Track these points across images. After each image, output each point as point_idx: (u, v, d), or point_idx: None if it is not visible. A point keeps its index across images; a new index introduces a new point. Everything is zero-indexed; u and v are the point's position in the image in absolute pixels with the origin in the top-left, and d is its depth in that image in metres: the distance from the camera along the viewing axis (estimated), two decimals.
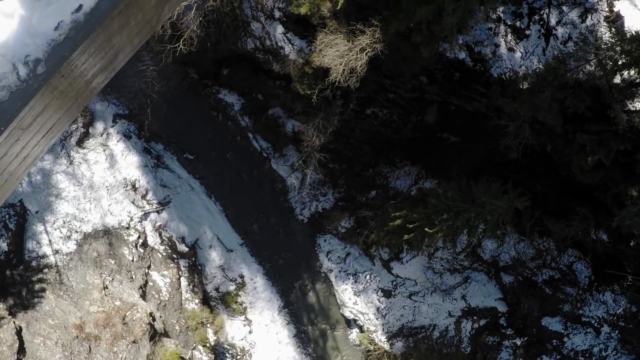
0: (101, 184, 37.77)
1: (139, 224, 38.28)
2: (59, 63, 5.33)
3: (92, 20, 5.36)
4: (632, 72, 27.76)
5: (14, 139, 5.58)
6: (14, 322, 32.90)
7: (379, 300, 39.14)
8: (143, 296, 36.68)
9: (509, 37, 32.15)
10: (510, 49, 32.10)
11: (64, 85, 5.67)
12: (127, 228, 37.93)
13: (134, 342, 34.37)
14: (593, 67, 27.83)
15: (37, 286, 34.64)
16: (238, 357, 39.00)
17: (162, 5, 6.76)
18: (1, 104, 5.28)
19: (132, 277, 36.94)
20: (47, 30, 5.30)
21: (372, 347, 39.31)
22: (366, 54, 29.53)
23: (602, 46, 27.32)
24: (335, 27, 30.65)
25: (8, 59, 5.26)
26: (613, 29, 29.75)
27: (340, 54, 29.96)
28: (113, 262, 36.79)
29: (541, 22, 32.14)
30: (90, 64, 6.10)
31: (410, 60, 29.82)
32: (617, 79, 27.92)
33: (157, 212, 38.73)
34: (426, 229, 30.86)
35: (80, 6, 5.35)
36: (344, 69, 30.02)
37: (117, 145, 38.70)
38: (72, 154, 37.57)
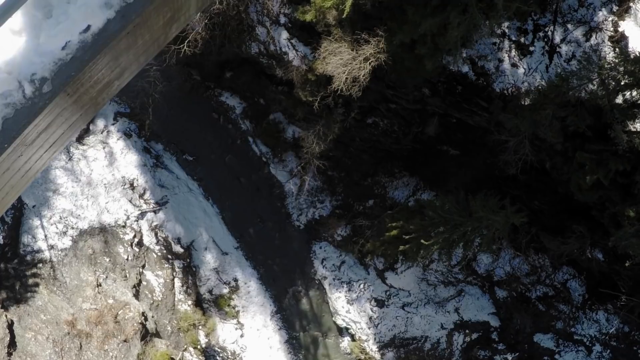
0: (99, 181, 37.74)
1: (136, 223, 38.25)
2: (65, 82, 5.35)
3: (100, 41, 5.38)
4: (634, 93, 27.78)
5: (17, 155, 5.60)
6: (6, 316, 32.82)
7: (371, 309, 39.13)
8: (136, 295, 36.62)
9: (513, 52, 32.17)
10: (514, 65, 32.13)
11: (69, 103, 5.69)
12: (124, 226, 37.89)
13: (125, 341, 34.29)
14: (595, 87, 27.85)
15: (30, 280, 34.58)
16: None
17: (170, 25, 6.78)
18: (6, 121, 5.30)
19: (126, 276, 36.89)
20: (54, 49, 5.32)
21: (363, 356, 39.27)
22: (370, 63, 29.55)
23: (606, 66, 27.36)
24: (340, 36, 30.68)
25: (14, 77, 5.28)
26: (617, 49, 29.86)
27: (344, 63, 29.99)
28: (108, 260, 36.73)
29: (545, 39, 32.17)
30: (96, 82, 6.11)
31: (414, 71, 29.85)
32: (619, 99, 27.94)
33: (154, 212, 38.70)
34: (422, 241, 30.86)
35: (89, 27, 5.38)
36: (346, 78, 30.04)
37: (117, 143, 38.70)
38: (71, 150, 37.56)
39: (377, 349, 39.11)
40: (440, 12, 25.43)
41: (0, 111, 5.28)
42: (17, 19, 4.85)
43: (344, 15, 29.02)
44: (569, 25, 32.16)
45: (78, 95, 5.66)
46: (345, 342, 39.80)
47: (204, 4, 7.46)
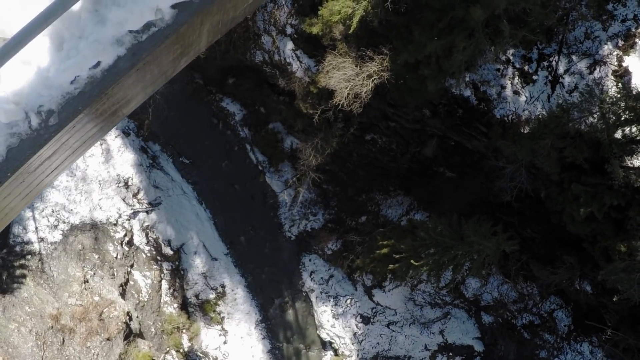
0: (94, 178, 37.67)
1: (127, 222, 38.19)
2: (71, 116, 5.36)
3: (109, 78, 5.39)
4: (633, 129, 27.82)
5: (19, 182, 5.61)
6: None
7: (356, 325, 39.08)
8: (122, 294, 36.53)
9: (516, 80, 32.22)
10: (516, 92, 32.18)
11: (73, 134, 5.71)
12: (115, 224, 37.82)
13: (108, 339, 34.18)
14: (596, 120, 27.89)
15: (18, 272, 34.46)
16: None
17: (180, 59, 6.80)
18: (10, 150, 5.30)
19: (113, 274, 36.81)
20: (63, 83, 5.32)
21: None
22: (372, 80, 29.58)
23: (607, 100, 27.39)
24: (345, 51, 30.72)
25: (21, 108, 5.28)
26: (620, 84, 29.89)
27: (347, 78, 30.02)
28: (97, 256, 36.64)
29: (549, 69, 32.23)
30: (102, 114, 6.13)
31: (416, 92, 29.86)
32: (619, 134, 27.96)
33: (147, 212, 38.66)
34: (412, 261, 30.89)
35: (99, 63, 5.38)
36: (348, 93, 30.07)
37: (114, 140, 38.66)
38: None
39: None
40: (447, 34, 25.47)
41: (5, 140, 5.29)
42: (28, 50, 4.85)
43: (351, 31, 29.06)
44: (574, 57, 32.23)
45: (83, 126, 5.67)
46: (328, 356, 39.71)
47: (214, 38, 7.50)
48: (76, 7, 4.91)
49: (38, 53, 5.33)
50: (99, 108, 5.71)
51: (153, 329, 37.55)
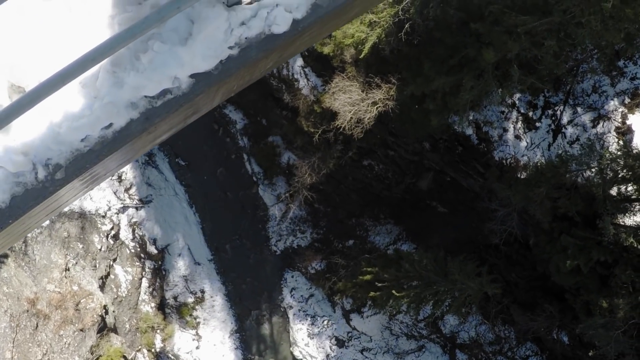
0: None
1: (116, 215, 38.16)
2: (78, 172, 5.39)
3: (120, 139, 5.43)
4: (629, 188, 27.89)
5: (19, 224, 5.65)
6: None
7: (330, 347, 38.98)
8: (102, 287, 36.43)
9: (519, 124, 32.32)
10: (517, 137, 32.27)
11: (77, 185, 5.74)
12: (103, 217, 37.78)
13: (81, 330, 34.05)
14: (593, 174, 27.96)
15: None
16: None
17: (191, 117, 6.86)
18: (14, 197, 5.33)
19: (95, 266, 36.71)
20: (73, 140, 5.35)
21: None
22: (377, 108, 29.63)
23: (607, 156, 27.45)
24: (353, 75, 30.77)
25: (30, 159, 5.31)
26: (621, 142, 29.99)
27: (352, 102, 30.06)
28: (81, 246, 36.56)
29: (553, 118, 32.34)
30: (109, 168, 6.18)
31: (418, 124, 29.91)
32: (614, 191, 28.03)
33: (136, 208, 38.61)
34: (394, 291, 30.89)
35: (111, 124, 5.41)
36: (351, 117, 30.11)
37: None
38: None
39: None
40: (456, 72, 25.52)
41: (10, 188, 5.32)
42: (42, 104, 4.88)
43: (361, 56, 29.15)
44: (579, 109, 32.35)
45: (88, 177, 5.71)
46: None
47: (227, 97, 7.57)
48: (95, 66, 4.92)
49: (52, 108, 5.35)
50: (106, 162, 5.75)
51: (128, 326, 37.44)
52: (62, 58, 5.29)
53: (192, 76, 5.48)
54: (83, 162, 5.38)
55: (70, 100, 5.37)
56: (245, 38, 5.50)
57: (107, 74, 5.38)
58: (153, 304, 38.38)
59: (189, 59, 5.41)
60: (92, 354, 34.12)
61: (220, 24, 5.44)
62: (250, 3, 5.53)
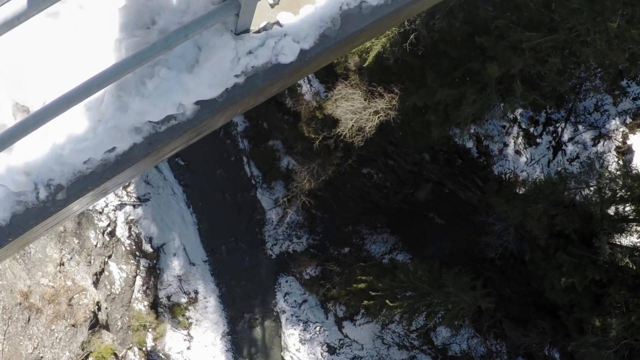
0: None
1: (113, 212, 38.13)
2: (80, 194, 5.41)
3: (122, 163, 5.44)
4: (627, 208, 27.90)
5: (20, 240, 5.65)
6: None
7: (321, 354, 38.95)
8: (95, 283, 36.37)
9: (520, 140, 32.33)
10: (518, 152, 32.28)
11: (76, 203, 5.74)
12: (100, 213, 37.74)
13: (73, 325, 34.00)
14: (591, 193, 27.99)
15: None
16: None
17: (193, 138, 6.85)
18: (15, 216, 5.35)
19: (90, 262, 36.67)
20: (75, 162, 5.35)
21: None
22: (378, 117, 29.64)
23: (606, 175, 27.48)
24: (356, 83, 30.79)
25: (31, 179, 5.32)
26: (621, 161, 30.00)
27: (354, 110, 30.07)
28: (77, 241, 36.52)
29: (554, 135, 32.35)
30: (109, 187, 6.18)
31: (419, 135, 29.91)
32: (612, 211, 28.04)
33: (134, 206, 38.59)
34: (387, 301, 30.89)
35: (114, 148, 5.40)
36: (353, 125, 30.12)
37: None
38: None
39: None
40: (459, 85, 25.56)
41: (11, 207, 5.33)
42: (46, 125, 4.87)
43: (365, 64, 29.19)
44: (580, 126, 32.36)
45: (87, 196, 5.71)
46: None
47: (230, 119, 7.61)
48: (100, 91, 4.91)
49: (55, 129, 5.34)
50: (107, 184, 5.76)
51: (120, 323, 37.39)
52: (67, 78, 5.30)
53: (197, 103, 5.48)
54: (85, 183, 5.40)
55: (74, 122, 5.37)
56: (252, 67, 5.49)
57: (112, 97, 5.38)
58: (146, 303, 38.36)
59: (194, 86, 5.40)
60: (82, 349, 34.05)
61: (228, 52, 5.43)
62: (258, 32, 5.52)
